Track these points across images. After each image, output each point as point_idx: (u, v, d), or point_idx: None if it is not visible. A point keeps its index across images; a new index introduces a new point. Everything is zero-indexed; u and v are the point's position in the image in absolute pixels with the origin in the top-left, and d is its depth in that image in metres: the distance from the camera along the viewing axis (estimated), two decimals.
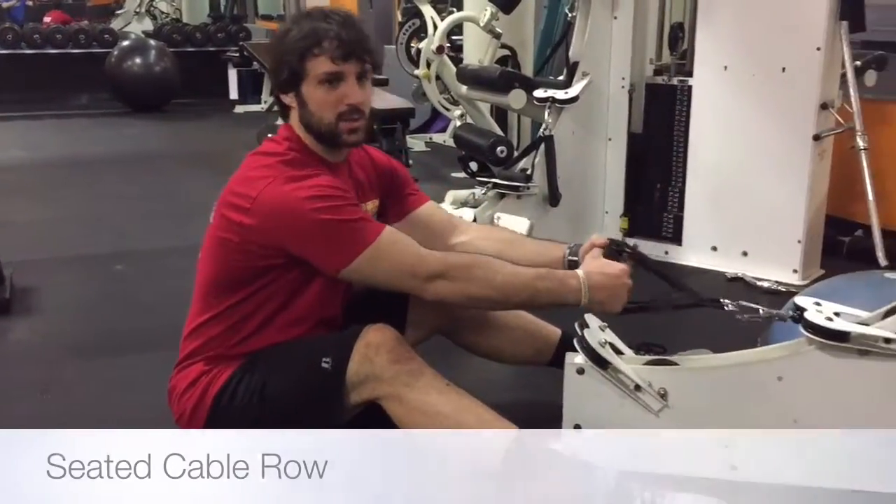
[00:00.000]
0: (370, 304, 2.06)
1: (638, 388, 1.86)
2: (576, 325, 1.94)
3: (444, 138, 6.56)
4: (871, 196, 3.17)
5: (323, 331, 1.93)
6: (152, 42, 8.90)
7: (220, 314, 1.86)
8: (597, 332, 1.91)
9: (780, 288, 3.17)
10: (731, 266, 3.38)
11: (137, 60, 8.38)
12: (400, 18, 8.90)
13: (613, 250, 1.89)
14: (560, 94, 3.41)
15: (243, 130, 6.76)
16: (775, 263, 3.28)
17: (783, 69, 3.16)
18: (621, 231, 3.70)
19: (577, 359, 1.90)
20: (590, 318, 1.96)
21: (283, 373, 1.82)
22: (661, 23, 3.65)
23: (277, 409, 1.80)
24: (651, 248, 3.64)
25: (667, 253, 3.60)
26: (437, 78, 4.95)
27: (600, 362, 1.86)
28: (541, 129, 3.42)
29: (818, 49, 3.08)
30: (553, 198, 3.38)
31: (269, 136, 1.93)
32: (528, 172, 3.35)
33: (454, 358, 2.20)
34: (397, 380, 1.73)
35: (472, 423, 1.71)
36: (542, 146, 3.38)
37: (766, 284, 3.22)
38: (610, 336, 1.92)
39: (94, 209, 4.71)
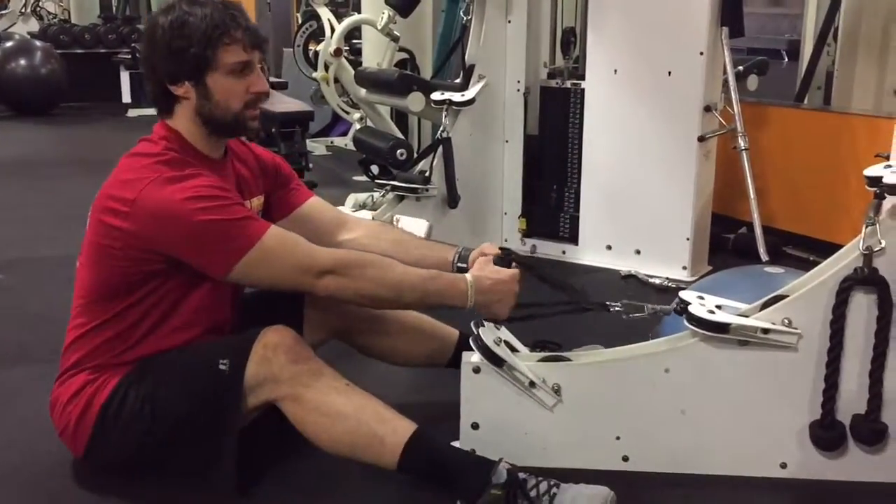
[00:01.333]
0: (266, 308, 2.03)
1: (533, 384, 1.90)
2: (472, 324, 1.97)
3: (346, 142, 6.52)
4: (752, 194, 3.32)
5: (214, 336, 1.88)
6: (38, 43, 8.54)
7: (105, 323, 1.79)
8: (492, 330, 1.93)
9: (670, 284, 3.27)
10: (625, 264, 3.47)
11: (22, 62, 8.02)
12: (299, 21, 8.82)
13: (502, 258, 1.92)
14: (457, 97, 3.43)
15: (137, 134, 6.31)
16: (666, 261, 3.39)
17: (669, 73, 3.27)
18: (520, 232, 3.75)
19: (474, 357, 1.93)
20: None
21: (177, 377, 1.77)
22: (553, 27, 3.73)
23: (171, 415, 1.75)
24: (549, 248, 3.72)
25: (564, 253, 3.68)
26: (336, 81, 4.91)
27: (495, 360, 1.89)
28: (438, 132, 3.44)
29: (701, 53, 3.20)
30: (452, 199, 3.40)
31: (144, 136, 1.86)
32: (427, 174, 3.36)
33: (354, 361, 2.19)
34: (296, 380, 1.71)
35: (372, 422, 1.70)
36: (441, 148, 3.39)
37: (657, 281, 3.32)
38: (505, 334, 1.95)
39: None
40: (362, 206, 3.38)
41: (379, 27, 4.50)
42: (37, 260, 3.58)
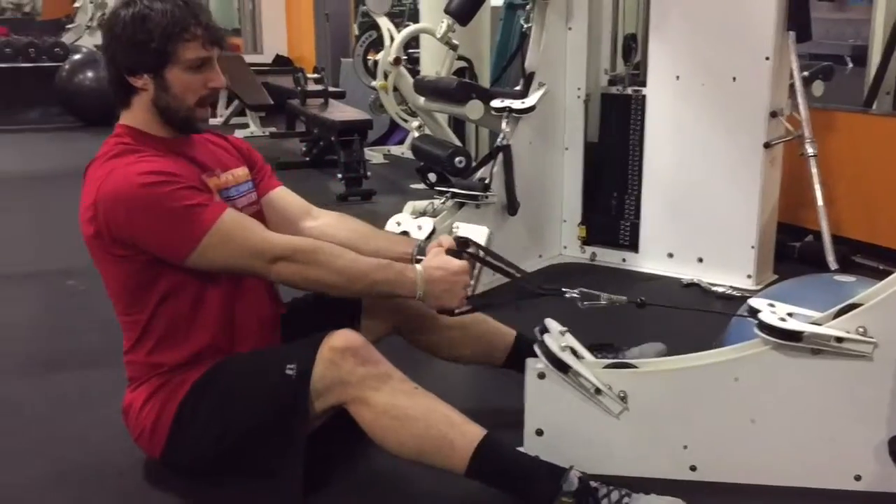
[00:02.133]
0: (323, 309, 2.05)
1: (598, 391, 1.89)
2: (535, 330, 1.96)
3: (402, 150, 6.57)
4: (820, 202, 3.24)
5: (264, 326, 1.92)
6: None
7: (143, 335, 1.84)
8: (557, 336, 1.93)
9: (734, 293, 3.22)
10: (687, 272, 3.43)
11: (89, 74, 8.21)
12: (357, 32, 8.92)
13: (454, 249, 1.91)
14: (517, 104, 3.43)
15: None
16: (730, 269, 3.33)
17: (734, 78, 3.22)
18: (579, 239, 3.73)
19: (538, 364, 1.92)
20: (550, 323, 1.98)
21: (246, 382, 1.80)
22: (614, 34, 3.70)
23: (241, 420, 1.78)
24: (609, 256, 3.69)
25: (624, 260, 3.64)
26: (395, 89, 4.95)
27: (561, 366, 1.88)
28: (498, 139, 3.44)
29: (767, 59, 3.14)
30: (511, 207, 3.39)
31: None
32: (487, 182, 3.36)
33: (412, 365, 2.19)
34: (364, 383, 1.71)
35: (442, 426, 1.70)
36: (500, 156, 3.39)
37: (720, 290, 3.27)
38: (570, 340, 1.95)
39: (43, 225, 4.60)
40: (422, 213, 3.38)
41: (438, 36, 4.52)
42: None
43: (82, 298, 3.28)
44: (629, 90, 3.58)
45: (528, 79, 3.54)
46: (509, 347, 2.15)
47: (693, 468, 1.92)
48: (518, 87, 3.65)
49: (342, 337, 1.76)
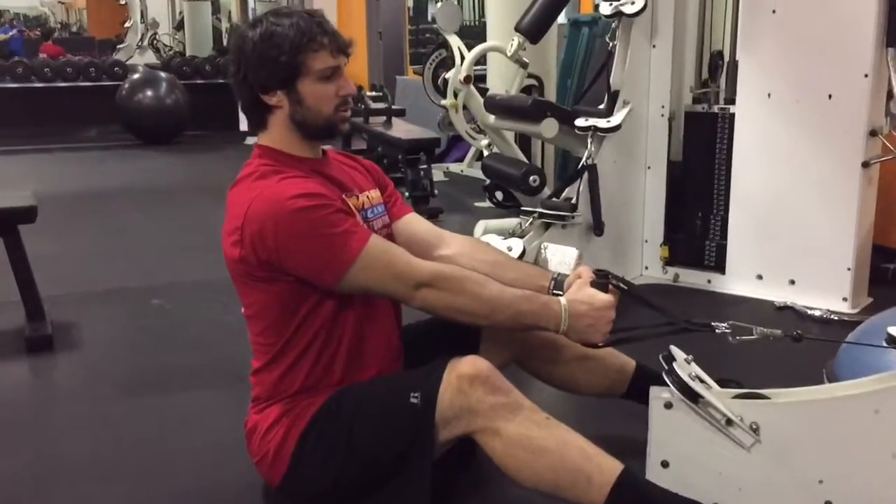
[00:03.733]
0: (439, 337, 2.02)
1: (729, 422, 1.82)
2: (661, 359, 1.89)
3: (461, 168, 6.55)
4: None
5: (393, 358, 1.89)
6: (163, 74, 8.86)
7: (282, 350, 1.81)
8: (683, 364, 1.86)
9: (832, 316, 3.12)
10: (778, 295, 3.34)
11: (148, 93, 8.35)
12: (408, 50, 8.98)
13: (600, 282, 1.84)
14: (602, 123, 3.38)
15: None
16: (824, 292, 3.24)
17: (829, 96, 3.14)
18: (661, 260, 3.66)
19: (665, 393, 1.86)
20: (675, 351, 1.91)
21: (370, 411, 1.76)
22: (699, 51, 3.64)
23: (365, 449, 1.75)
24: (693, 277, 3.61)
25: (709, 282, 3.56)
26: (464, 108, 4.92)
27: (691, 395, 1.81)
28: (583, 159, 3.38)
29: (865, 76, 3.07)
30: (597, 227, 3.34)
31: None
32: (574, 202, 3.31)
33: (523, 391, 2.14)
34: (494, 413, 1.66)
35: (577, 459, 1.65)
36: (586, 175, 3.34)
37: (817, 313, 3.17)
38: (696, 369, 1.88)
39: (116, 242, 4.65)
40: (511, 234, 3.34)
41: (509, 54, 4.48)
42: (184, 285, 3.68)
43: (170, 318, 3.28)
44: (715, 108, 3.52)
45: (613, 97, 3.49)
46: (630, 377, 2.09)
47: None
48: (601, 106, 3.60)
49: (470, 364, 1.71)
